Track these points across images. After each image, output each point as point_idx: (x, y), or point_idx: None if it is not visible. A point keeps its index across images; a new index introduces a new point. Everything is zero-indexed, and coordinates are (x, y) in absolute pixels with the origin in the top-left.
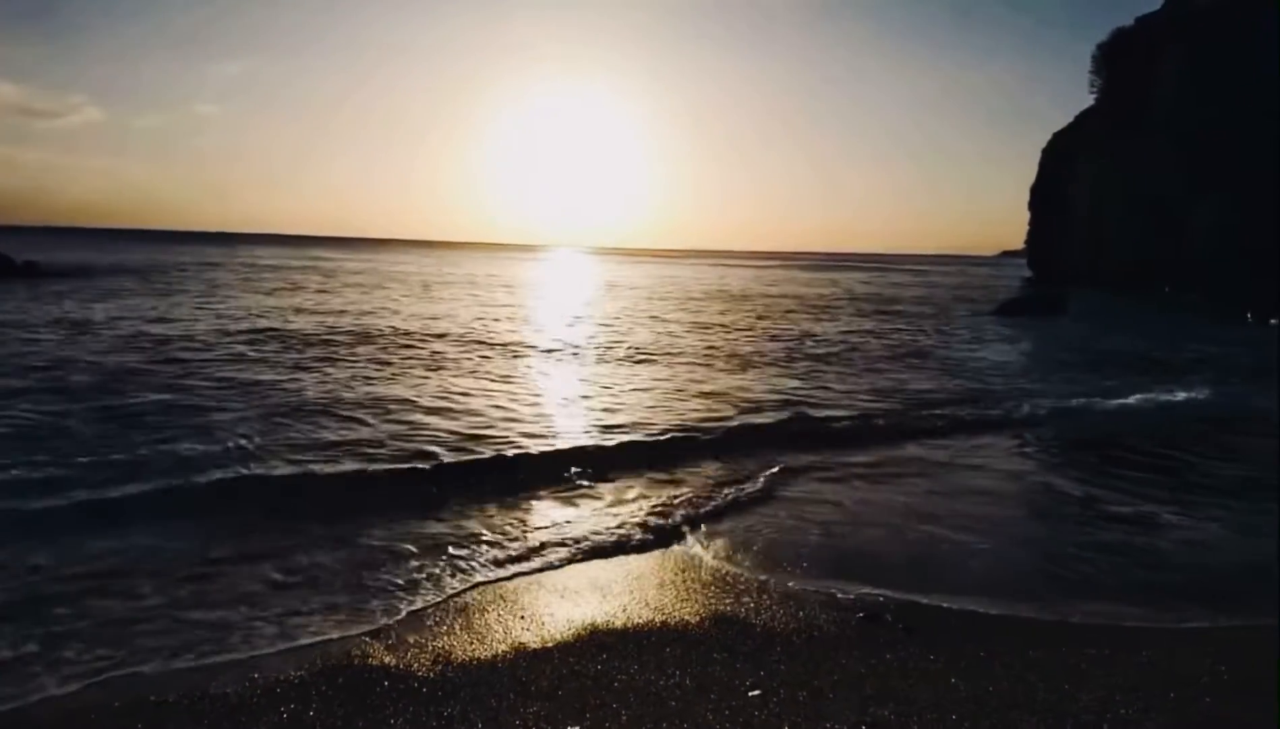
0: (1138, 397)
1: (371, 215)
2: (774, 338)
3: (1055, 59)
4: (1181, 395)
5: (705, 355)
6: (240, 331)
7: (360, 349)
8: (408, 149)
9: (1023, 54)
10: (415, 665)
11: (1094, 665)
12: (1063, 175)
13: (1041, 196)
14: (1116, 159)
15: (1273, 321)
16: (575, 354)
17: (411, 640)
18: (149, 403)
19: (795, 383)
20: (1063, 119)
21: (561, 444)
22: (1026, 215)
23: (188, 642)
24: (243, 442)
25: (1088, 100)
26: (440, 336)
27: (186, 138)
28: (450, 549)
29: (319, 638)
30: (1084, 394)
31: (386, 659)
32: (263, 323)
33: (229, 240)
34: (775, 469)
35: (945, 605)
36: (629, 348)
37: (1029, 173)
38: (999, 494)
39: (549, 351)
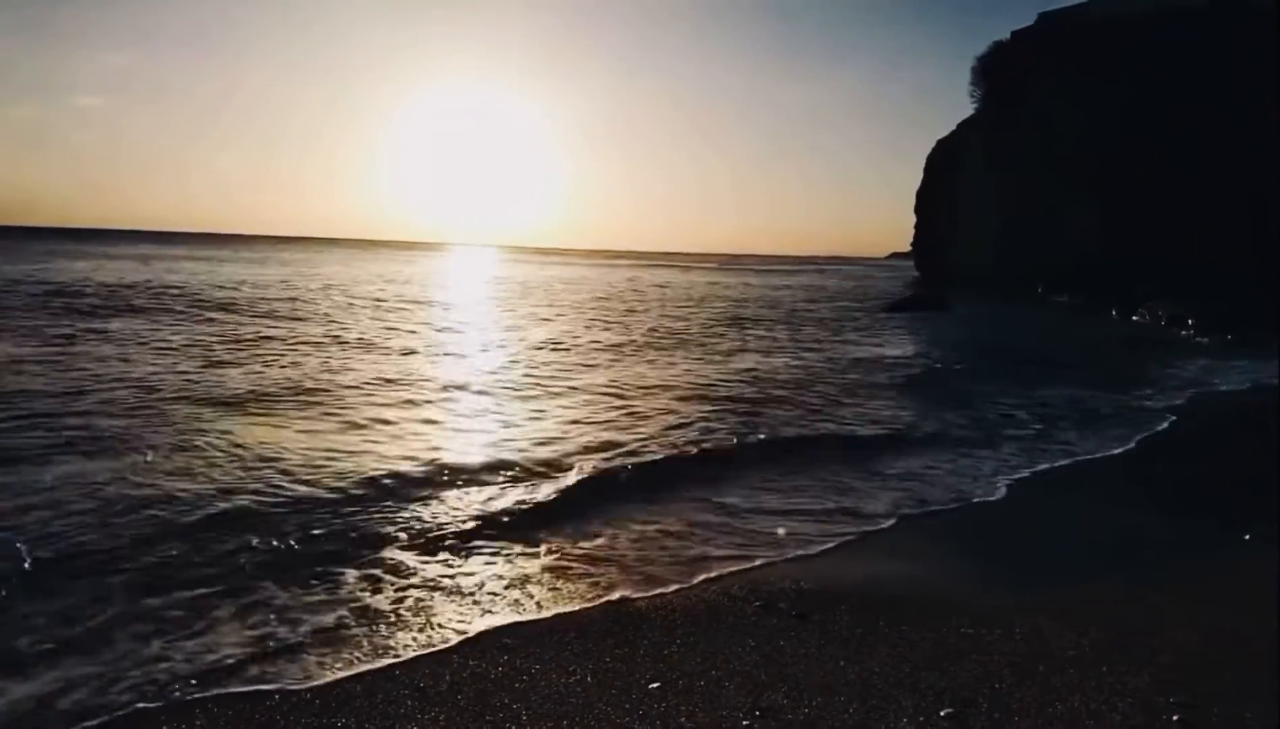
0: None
1: (264, 212)
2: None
3: (943, 70)
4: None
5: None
6: None
7: None
8: (302, 144)
9: (915, 65)
10: (307, 675)
11: (972, 643)
12: (945, 181)
13: (926, 201)
14: (993, 166)
15: (1134, 318)
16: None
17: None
18: None
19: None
20: (947, 127)
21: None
22: (913, 219)
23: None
24: None
25: (970, 110)
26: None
27: (65, 131)
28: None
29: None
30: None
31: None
32: None
33: (109, 238)
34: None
35: (836, 590)
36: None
37: (916, 178)
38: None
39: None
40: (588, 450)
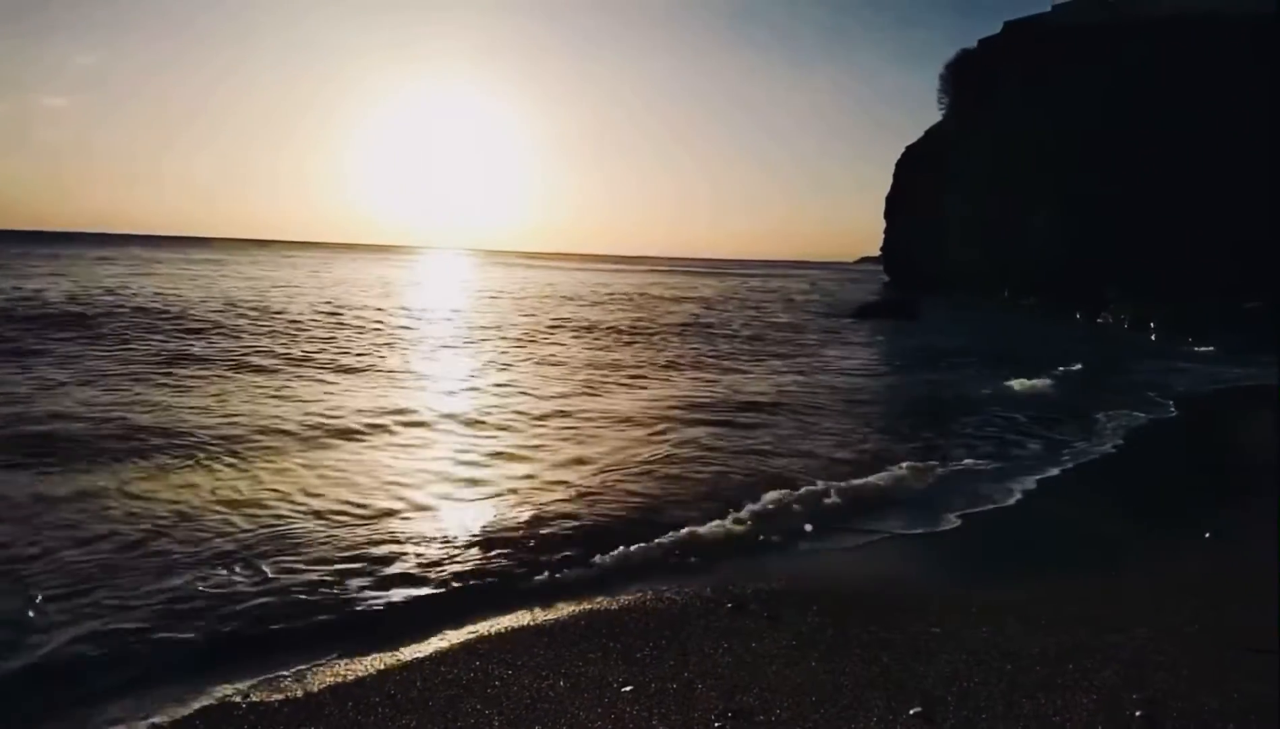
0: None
1: (237, 215)
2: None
3: (914, 77)
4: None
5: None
6: None
7: None
8: (276, 147)
9: (888, 72)
10: (277, 686)
11: (940, 643)
12: (913, 186)
13: (895, 206)
14: (960, 171)
15: (1098, 321)
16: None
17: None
18: None
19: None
20: (917, 133)
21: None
22: (884, 223)
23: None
24: None
25: (938, 116)
26: None
27: (32, 131)
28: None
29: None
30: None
31: (244, 679)
32: None
33: (77, 241)
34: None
35: (808, 591)
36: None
37: (887, 182)
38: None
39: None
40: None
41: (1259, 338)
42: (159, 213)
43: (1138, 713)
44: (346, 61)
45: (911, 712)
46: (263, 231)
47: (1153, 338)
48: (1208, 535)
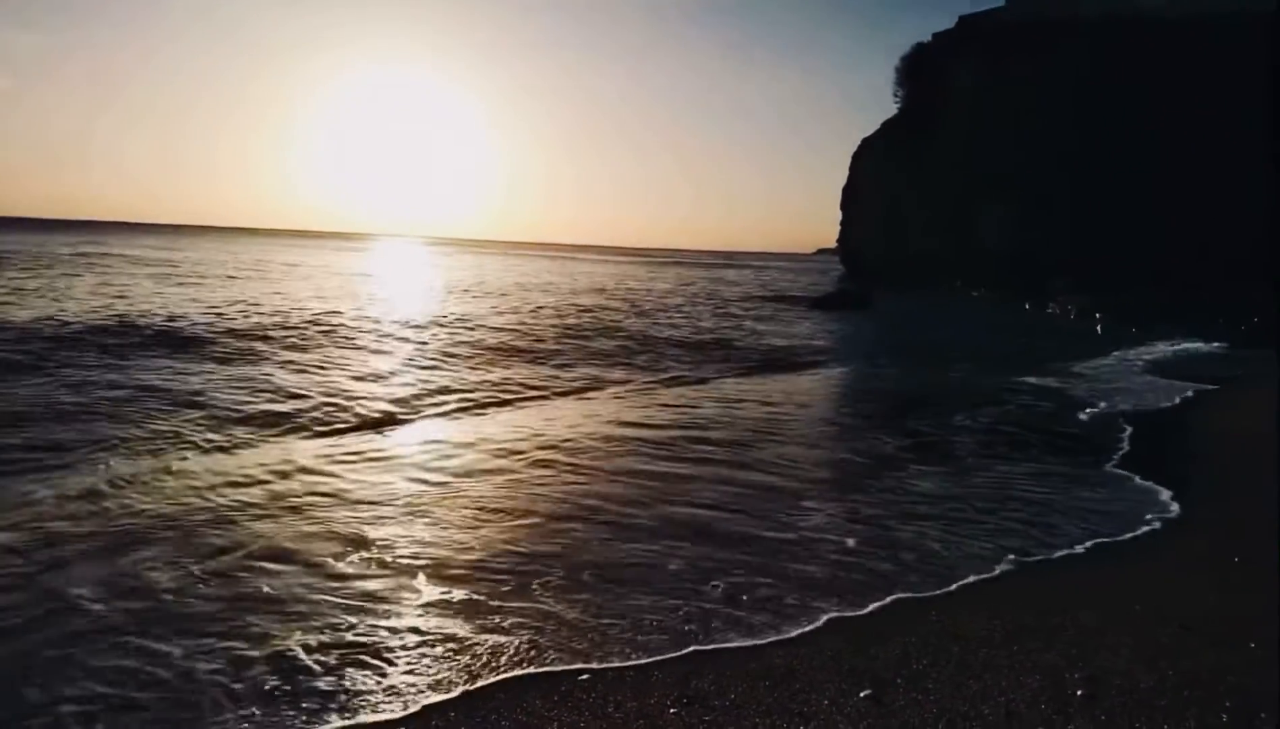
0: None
1: (182, 200)
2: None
3: (872, 70)
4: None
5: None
6: None
7: None
8: (227, 130)
9: (846, 66)
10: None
11: (891, 628)
12: (869, 178)
13: (851, 198)
14: (914, 163)
15: (1047, 311)
16: None
17: None
18: None
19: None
20: (874, 126)
21: None
22: (839, 215)
23: None
24: None
25: (894, 109)
26: None
27: None
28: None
29: None
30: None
31: None
32: None
33: (13, 227)
34: None
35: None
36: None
37: (844, 175)
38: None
39: None
40: None
41: (1201, 328)
42: (99, 198)
43: (1079, 692)
44: (302, 46)
45: (862, 694)
46: (210, 218)
47: (1099, 328)
48: (1148, 517)
